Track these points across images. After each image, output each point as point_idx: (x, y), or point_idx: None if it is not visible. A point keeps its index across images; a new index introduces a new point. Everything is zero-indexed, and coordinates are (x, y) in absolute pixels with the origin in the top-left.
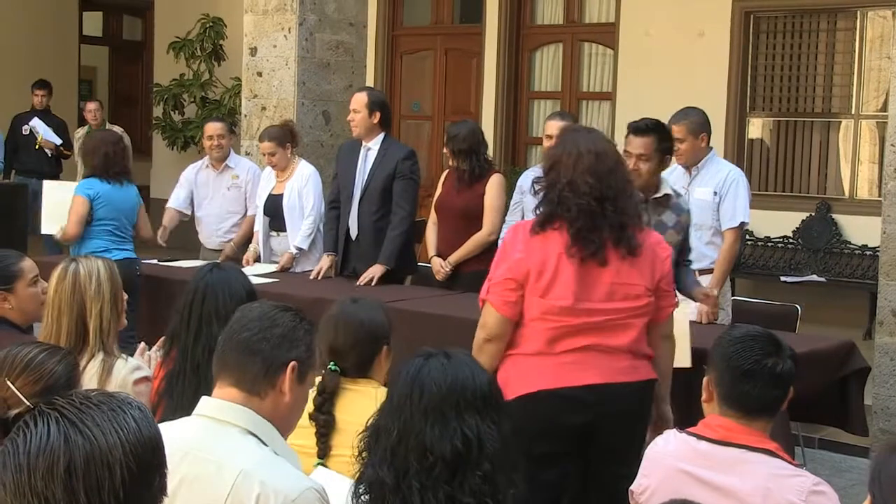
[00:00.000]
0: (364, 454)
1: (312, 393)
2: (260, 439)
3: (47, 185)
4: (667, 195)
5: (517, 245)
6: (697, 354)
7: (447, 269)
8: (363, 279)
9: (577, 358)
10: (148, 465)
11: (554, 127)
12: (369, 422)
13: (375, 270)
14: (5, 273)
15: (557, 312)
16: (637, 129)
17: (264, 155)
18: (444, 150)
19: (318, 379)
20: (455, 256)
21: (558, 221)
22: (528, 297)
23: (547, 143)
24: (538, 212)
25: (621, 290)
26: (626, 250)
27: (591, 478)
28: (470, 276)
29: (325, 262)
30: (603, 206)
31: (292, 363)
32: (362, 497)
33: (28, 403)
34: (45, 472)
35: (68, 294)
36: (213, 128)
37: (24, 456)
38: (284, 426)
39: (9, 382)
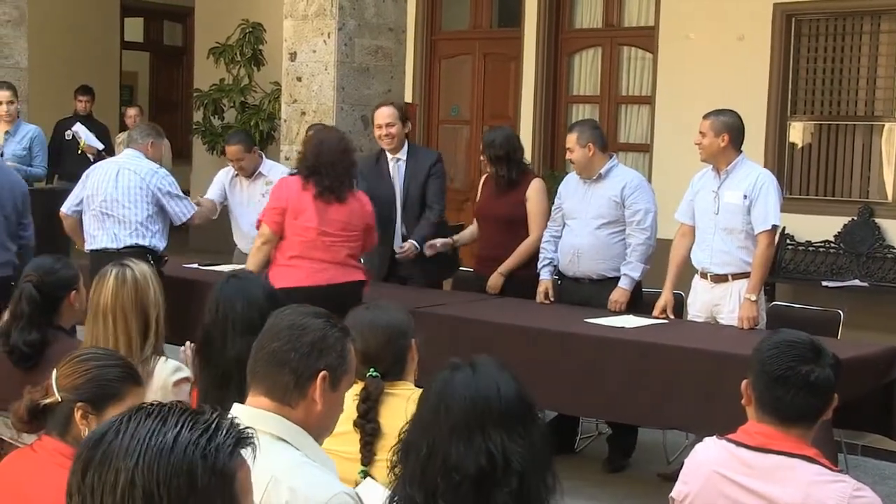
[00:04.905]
0: (397, 469)
1: (355, 400)
2: (292, 446)
3: None
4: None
5: (283, 188)
6: (739, 360)
7: (414, 251)
8: (401, 255)
9: (315, 265)
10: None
11: (570, 140)
12: (401, 435)
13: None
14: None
15: (304, 232)
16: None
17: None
18: (482, 158)
19: (356, 385)
20: (507, 265)
21: (305, 176)
22: (287, 220)
23: (568, 156)
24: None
25: (341, 225)
26: (338, 197)
27: None
28: (520, 280)
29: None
30: (320, 169)
31: (322, 373)
32: None
33: (57, 396)
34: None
35: (131, 298)
36: (231, 151)
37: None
38: (319, 432)
39: (54, 372)
